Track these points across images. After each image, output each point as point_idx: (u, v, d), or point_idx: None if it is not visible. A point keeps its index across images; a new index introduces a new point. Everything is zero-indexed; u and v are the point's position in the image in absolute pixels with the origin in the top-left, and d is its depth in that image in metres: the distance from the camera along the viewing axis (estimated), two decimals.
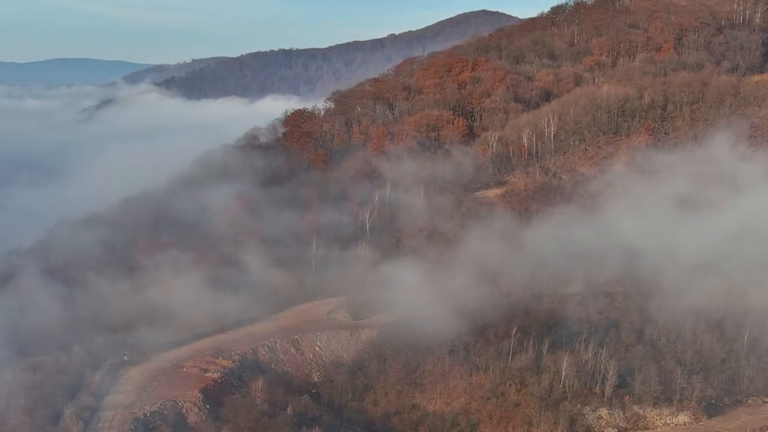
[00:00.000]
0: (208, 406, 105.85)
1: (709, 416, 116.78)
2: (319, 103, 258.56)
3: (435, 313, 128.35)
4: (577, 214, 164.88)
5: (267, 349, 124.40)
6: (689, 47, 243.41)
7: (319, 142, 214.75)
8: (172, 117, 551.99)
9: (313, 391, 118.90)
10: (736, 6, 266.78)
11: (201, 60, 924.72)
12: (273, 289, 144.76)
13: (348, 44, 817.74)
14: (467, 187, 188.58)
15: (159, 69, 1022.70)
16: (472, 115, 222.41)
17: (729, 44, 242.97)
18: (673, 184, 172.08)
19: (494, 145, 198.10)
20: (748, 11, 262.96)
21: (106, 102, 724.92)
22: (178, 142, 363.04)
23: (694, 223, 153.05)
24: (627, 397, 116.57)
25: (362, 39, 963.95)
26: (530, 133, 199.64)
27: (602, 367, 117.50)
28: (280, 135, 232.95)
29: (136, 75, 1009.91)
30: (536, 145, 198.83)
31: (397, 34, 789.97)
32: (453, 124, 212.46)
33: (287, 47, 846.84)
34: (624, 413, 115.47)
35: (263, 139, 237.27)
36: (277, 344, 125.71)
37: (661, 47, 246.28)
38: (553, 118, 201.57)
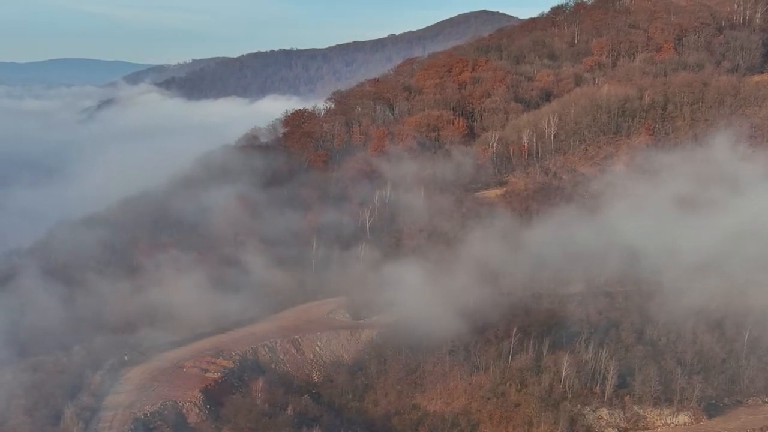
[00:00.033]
0: (208, 407, 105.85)
1: (710, 416, 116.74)
2: (319, 104, 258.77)
3: (435, 314, 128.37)
4: (578, 215, 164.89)
5: (267, 349, 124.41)
6: (689, 47, 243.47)
7: (319, 143, 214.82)
8: (173, 117, 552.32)
9: (314, 391, 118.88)
10: (736, 6, 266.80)
11: (201, 60, 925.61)
12: (273, 289, 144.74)
13: (348, 44, 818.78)
14: (467, 188, 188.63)
15: (159, 69, 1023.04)
16: (472, 116, 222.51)
17: (729, 44, 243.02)
18: (674, 185, 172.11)
19: (494, 146, 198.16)
20: (748, 11, 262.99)
21: (107, 102, 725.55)
22: (179, 142, 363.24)
23: (694, 223, 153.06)
24: (627, 398, 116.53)
25: (362, 39, 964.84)
26: (530, 133, 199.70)
27: (602, 367, 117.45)
28: (281, 135, 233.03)
29: (137, 75, 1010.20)
30: (536, 146, 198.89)
31: (397, 34, 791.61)
32: (453, 124, 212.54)
33: (287, 47, 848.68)
34: (624, 413, 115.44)
35: (263, 140, 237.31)
36: (278, 344, 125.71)
37: (661, 47, 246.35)
38: (554, 118, 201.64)
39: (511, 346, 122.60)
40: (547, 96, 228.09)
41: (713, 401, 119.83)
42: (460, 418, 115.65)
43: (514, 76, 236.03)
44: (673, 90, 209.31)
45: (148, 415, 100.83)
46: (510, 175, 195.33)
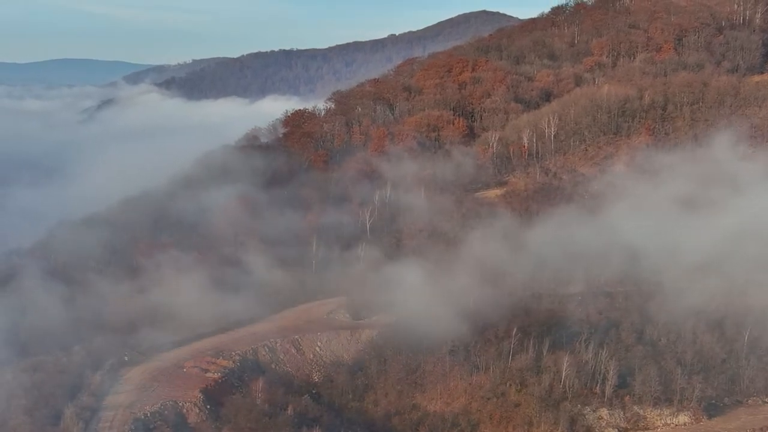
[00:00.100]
0: (208, 407, 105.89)
1: (710, 416, 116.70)
2: (319, 104, 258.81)
3: (435, 314, 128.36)
4: (578, 215, 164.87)
5: (267, 350, 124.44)
6: (689, 48, 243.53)
7: (319, 143, 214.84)
8: (173, 117, 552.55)
9: (314, 392, 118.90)
10: (736, 6, 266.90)
11: (201, 60, 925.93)
12: (273, 289, 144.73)
13: (348, 44, 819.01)
14: (467, 188, 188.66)
15: (159, 69, 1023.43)
16: (472, 116, 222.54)
17: (729, 45, 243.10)
18: (674, 185, 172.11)
19: (494, 146, 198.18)
20: (748, 12, 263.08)
21: (107, 102, 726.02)
22: (179, 142, 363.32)
23: (695, 224, 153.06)
24: (627, 398, 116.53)
25: (362, 39, 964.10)
26: (530, 133, 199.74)
27: (602, 368, 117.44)
28: (281, 135, 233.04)
29: (137, 75, 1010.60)
30: (536, 146, 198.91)
31: (397, 34, 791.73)
32: (453, 124, 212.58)
33: (287, 47, 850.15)
34: (624, 413, 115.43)
35: (263, 140, 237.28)
36: (278, 344, 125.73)
37: (661, 48, 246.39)
38: (554, 118, 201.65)
39: (511, 346, 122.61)
40: (547, 96, 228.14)
41: (713, 401, 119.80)
42: (460, 418, 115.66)
43: (514, 76, 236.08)
44: (673, 90, 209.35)
45: (148, 415, 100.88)
46: (510, 175, 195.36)
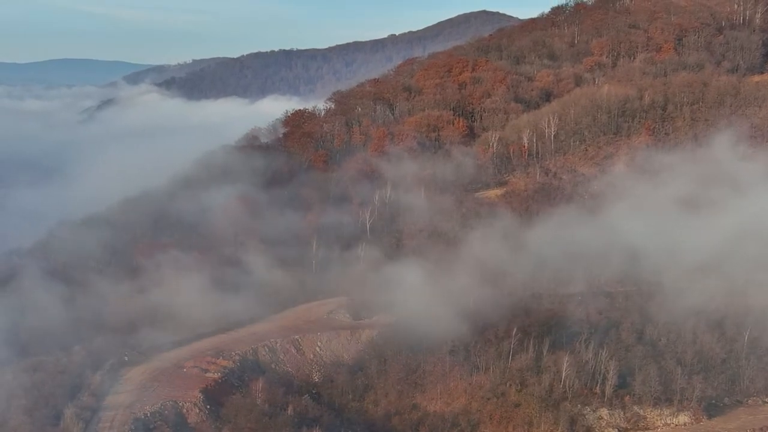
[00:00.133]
0: (208, 407, 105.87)
1: (710, 416, 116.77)
2: (319, 104, 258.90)
3: (435, 314, 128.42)
4: (578, 215, 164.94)
5: (267, 350, 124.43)
6: (689, 48, 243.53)
7: (319, 143, 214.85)
8: (173, 117, 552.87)
9: (314, 392, 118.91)
10: (736, 6, 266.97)
11: (201, 60, 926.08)
12: (273, 290, 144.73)
13: (348, 44, 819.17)
14: (468, 188, 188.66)
15: (159, 69, 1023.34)
16: (472, 116, 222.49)
17: (729, 45, 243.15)
18: (674, 185, 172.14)
19: (495, 146, 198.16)
20: (748, 12, 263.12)
21: (107, 102, 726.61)
22: (179, 142, 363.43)
23: (695, 224, 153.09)
24: (627, 398, 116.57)
25: (362, 39, 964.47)
26: (530, 133, 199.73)
27: (602, 368, 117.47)
28: (281, 135, 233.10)
29: (137, 75, 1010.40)
30: (537, 146, 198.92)
31: (397, 34, 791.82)
32: (453, 124, 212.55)
33: (287, 47, 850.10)
34: (624, 413, 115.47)
35: (264, 140, 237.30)
36: (278, 344, 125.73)
37: (661, 48, 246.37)
38: (554, 118, 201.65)
39: (511, 346, 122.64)
40: (547, 96, 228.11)
41: (713, 401, 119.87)
42: (460, 418, 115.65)
43: (514, 76, 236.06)
44: (673, 90, 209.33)
45: (149, 415, 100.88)
46: (510, 175, 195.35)
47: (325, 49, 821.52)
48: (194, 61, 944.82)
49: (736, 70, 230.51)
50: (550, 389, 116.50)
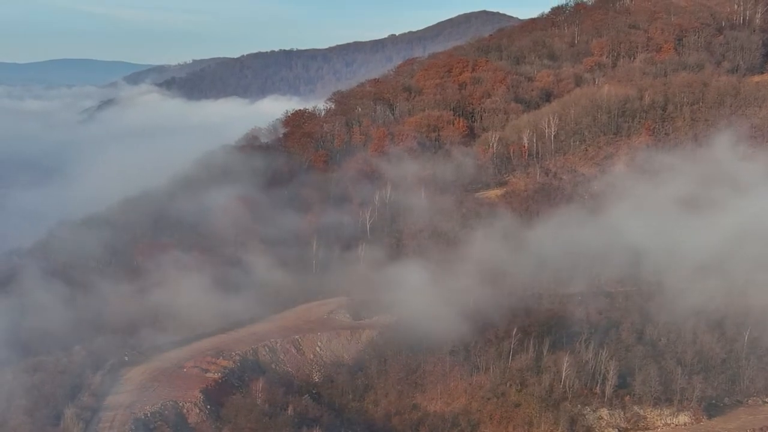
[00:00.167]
0: (208, 407, 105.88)
1: (710, 416, 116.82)
2: (319, 104, 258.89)
3: (436, 314, 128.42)
4: (578, 215, 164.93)
5: (267, 350, 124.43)
6: (689, 48, 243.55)
7: (319, 143, 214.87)
8: (173, 117, 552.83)
9: (314, 392, 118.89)
10: (736, 6, 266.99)
11: (201, 60, 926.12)
12: (274, 290, 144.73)
13: (348, 45, 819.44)
14: (468, 188, 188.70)
15: (159, 69, 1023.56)
16: (472, 116, 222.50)
17: (729, 45, 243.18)
18: (674, 185, 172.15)
19: (495, 146, 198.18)
20: (748, 12, 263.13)
21: (107, 102, 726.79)
22: (179, 142, 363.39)
23: (695, 224, 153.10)
24: (627, 398, 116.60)
25: (363, 39, 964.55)
26: (531, 133, 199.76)
27: (603, 368, 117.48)
28: (281, 135, 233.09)
29: (137, 75, 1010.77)
30: (537, 146, 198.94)
31: (397, 34, 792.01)
32: (453, 124, 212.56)
33: (288, 48, 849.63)
34: (624, 413, 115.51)
35: (264, 140, 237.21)
36: (278, 344, 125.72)
37: (661, 48, 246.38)
38: (554, 118, 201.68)
39: (512, 346, 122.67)
40: (548, 96, 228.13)
41: (713, 401, 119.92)
42: (461, 418, 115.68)
43: (515, 76, 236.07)
44: (673, 90, 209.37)
45: (149, 415, 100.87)
46: (510, 175, 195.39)
47: (326, 49, 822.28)
48: (194, 61, 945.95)
49: (736, 71, 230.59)
50: (550, 389, 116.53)
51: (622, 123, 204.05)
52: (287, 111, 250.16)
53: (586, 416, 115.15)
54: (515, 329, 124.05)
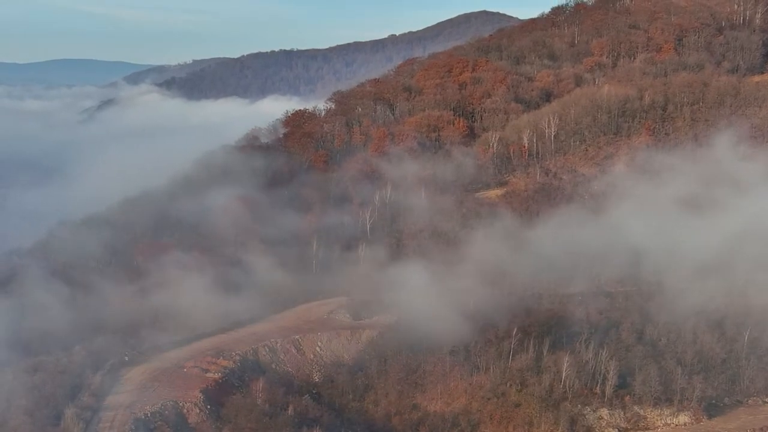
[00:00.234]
0: (208, 407, 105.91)
1: (710, 416, 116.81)
2: (319, 104, 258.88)
3: (436, 314, 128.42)
4: (578, 215, 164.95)
5: (268, 350, 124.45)
6: (689, 48, 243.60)
7: (319, 143, 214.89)
8: (173, 117, 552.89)
9: (314, 392, 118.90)
10: (736, 6, 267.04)
11: (201, 60, 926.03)
12: (274, 290, 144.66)
13: (348, 45, 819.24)
14: (468, 188, 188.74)
15: (160, 69, 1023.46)
16: (472, 116, 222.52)
17: (729, 45, 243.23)
18: (674, 185, 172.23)
19: (495, 146, 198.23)
20: (748, 12, 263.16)
21: (107, 102, 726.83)
22: (179, 142, 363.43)
23: (695, 224, 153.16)
24: (627, 398, 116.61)
25: (363, 39, 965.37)
26: (531, 133, 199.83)
27: (603, 368, 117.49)
28: (281, 135, 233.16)
29: (137, 75, 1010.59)
30: (537, 146, 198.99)
31: (397, 34, 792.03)
32: (454, 124, 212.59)
33: (288, 48, 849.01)
34: (624, 413, 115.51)
35: (264, 140, 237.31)
36: (278, 344, 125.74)
37: (661, 48, 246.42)
38: (554, 118, 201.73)
39: (512, 346, 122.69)
40: (548, 96, 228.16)
41: (713, 401, 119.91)
42: (461, 418, 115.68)
43: (515, 76, 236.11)
44: (674, 90, 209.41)
45: (149, 415, 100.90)
46: (510, 175, 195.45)
47: (326, 49, 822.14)
48: (194, 61, 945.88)
49: (736, 71, 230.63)
50: (550, 389, 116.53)
51: (622, 123, 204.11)
52: (287, 111, 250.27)
53: (586, 416, 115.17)
54: (515, 329, 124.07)
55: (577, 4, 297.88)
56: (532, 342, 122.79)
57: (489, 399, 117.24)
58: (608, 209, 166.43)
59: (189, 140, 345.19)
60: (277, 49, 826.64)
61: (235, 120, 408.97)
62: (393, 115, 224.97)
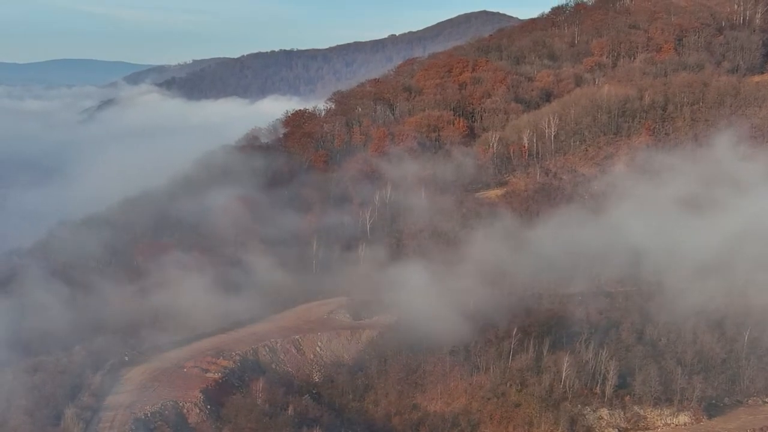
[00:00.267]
0: (208, 407, 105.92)
1: (710, 416, 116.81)
2: (319, 104, 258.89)
3: (436, 314, 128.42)
4: (578, 215, 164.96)
5: (268, 350, 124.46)
6: (689, 48, 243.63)
7: (319, 143, 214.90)
8: (173, 117, 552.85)
9: (314, 392, 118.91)
10: (736, 6, 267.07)
11: (202, 60, 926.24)
12: (274, 290, 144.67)
13: (349, 45, 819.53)
14: (468, 188, 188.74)
15: (160, 69, 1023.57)
16: (472, 116, 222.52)
17: (729, 45, 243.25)
18: (674, 185, 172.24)
19: (495, 146, 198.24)
20: (748, 12, 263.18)
21: (107, 102, 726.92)
22: (179, 142, 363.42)
23: (695, 224, 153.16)
24: (627, 398, 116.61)
25: (363, 39, 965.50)
26: (531, 133, 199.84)
27: (603, 368, 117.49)
28: (281, 135, 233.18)
29: (137, 75, 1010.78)
30: (537, 146, 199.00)
31: (397, 34, 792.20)
32: (454, 124, 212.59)
33: (288, 48, 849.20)
34: (624, 413, 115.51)
35: (264, 140, 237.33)
36: (278, 344, 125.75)
37: (661, 48, 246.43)
38: (554, 118, 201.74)
39: (512, 346, 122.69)
40: (548, 96, 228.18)
41: (713, 401, 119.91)
42: (461, 418, 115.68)
43: (515, 76, 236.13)
44: (674, 90, 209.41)
45: (149, 415, 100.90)
46: (510, 175, 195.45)
47: (326, 49, 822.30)
48: (194, 61, 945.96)
49: (736, 71, 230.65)
50: (550, 389, 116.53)
51: (622, 123, 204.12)
52: (287, 111, 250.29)
53: (586, 416, 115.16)
54: (515, 329, 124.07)
55: (577, 4, 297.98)
56: (532, 342, 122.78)
57: (489, 399, 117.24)
58: (608, 209, 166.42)
59: (189, 140, 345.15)
60: (277, 49, 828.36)
61: (235, 120, 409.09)
62: (393, 115, 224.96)
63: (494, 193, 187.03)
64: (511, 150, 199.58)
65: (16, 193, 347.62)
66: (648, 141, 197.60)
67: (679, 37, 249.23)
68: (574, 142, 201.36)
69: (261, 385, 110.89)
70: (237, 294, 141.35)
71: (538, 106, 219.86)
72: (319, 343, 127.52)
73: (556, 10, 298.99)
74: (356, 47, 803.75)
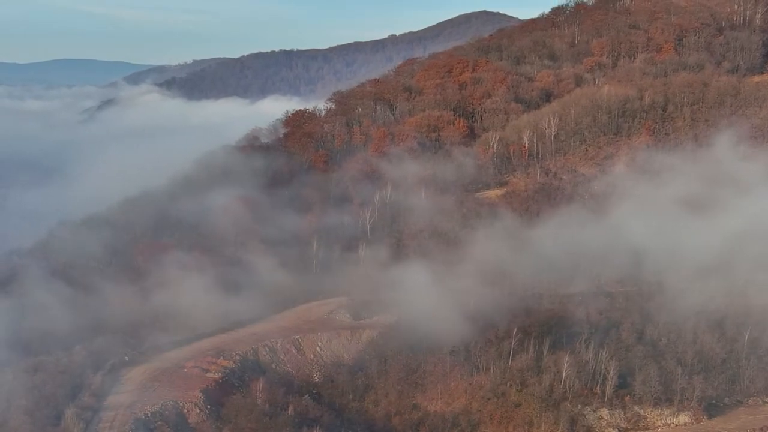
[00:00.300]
0: (209, 407, 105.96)
1: (710, 416, 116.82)
2: (320, 104, 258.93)
3: (436, 314, 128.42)
4: (579, 215, 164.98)
5: (268, 350, 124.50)
6: (690, 48, 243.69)
7: (320, 143, 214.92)
8: (173, 117, 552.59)
9: (314, 392, 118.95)
10: (736, 7, 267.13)
11: (202, 61, 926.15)
12: (274, 290, 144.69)
13: (349, 45, 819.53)
14: (468, 188, 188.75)
15: (160, 69, 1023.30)
16: (472, 116, 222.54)
17: (729, 45, 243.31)
18: (674, 185, 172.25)
19: (495, 146, 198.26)
20: (748, 12, 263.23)
21: (107, 102, 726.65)
22: (179, 142, 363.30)
23: (695, 224, 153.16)
24: (628, 398, 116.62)
25: (363, 39, 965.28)
26: (531, 133, 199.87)
27: (603, 368, 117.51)
28: (281, 136, 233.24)
29: (137, 75, 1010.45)
30: (537, 146, 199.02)
31: (397, 34, 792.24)
32: (454, 124, 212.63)
33: (288, 48, 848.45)
34: (625, 413, 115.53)
35: (264, 140, 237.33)
36: (278, 344, 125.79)
37: (661, 48, 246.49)
38: (554, 118, 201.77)
39: (512, 346, 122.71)
40: (548, 96, 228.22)
41: (713, 401, 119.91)
42: (461, 418, 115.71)
43: (515, 76, 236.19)
44: (674, 90, 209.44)
45: (149, 415, 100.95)
46: (510, 175, 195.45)
47: (326, 49, 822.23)
48: (195, 61, 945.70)
49: (737, 71, 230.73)
50: (550, 389, 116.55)
51: (623, 123, 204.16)
52: (287, 111, 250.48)
53: (587, 416, 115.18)
54: (515, 329, 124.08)
55: (577, 4, 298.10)
56: (532, 342, 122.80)
57: (489, 399, 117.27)
58: (608, 209, 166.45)
59: (189, 140, 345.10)
60: (277, 49, 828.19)
61: (236, 120, 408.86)
62: (393, 115, 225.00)
63: (494, 193, 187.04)
64: (512, 150, 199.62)
65: (16, 193, 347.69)
66: (648, 141, 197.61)
67: (679, 37, 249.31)
68: (574, 142, 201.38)
69: (261, 385, 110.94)
70: (237, 294, 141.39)
71: (538, 106, 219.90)
72: (319, 343, 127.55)
73: (556, 10, 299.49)
74: (356, 47, 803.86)
